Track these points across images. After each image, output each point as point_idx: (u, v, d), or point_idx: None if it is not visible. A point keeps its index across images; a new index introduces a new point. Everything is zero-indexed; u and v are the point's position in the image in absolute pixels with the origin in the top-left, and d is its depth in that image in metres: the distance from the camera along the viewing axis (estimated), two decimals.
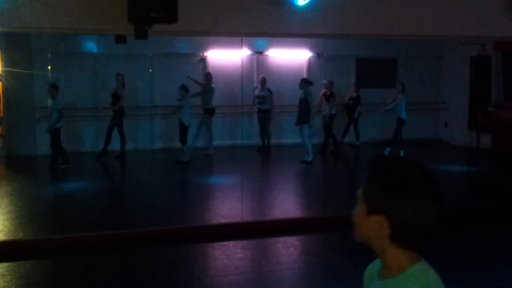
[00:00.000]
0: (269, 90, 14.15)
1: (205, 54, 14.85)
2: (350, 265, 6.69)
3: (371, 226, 1.67)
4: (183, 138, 12.37)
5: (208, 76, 13.69)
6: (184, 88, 12.50)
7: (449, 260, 6.42)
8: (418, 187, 1.61)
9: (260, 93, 14.16)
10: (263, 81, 14.18)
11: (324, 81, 13.94)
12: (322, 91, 13.97)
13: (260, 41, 14.86)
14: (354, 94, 14.90)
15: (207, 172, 12.60)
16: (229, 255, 6.95)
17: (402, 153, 13.62)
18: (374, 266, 1.83)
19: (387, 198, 1.62)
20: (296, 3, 7.25)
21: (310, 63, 15.44)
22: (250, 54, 14.95)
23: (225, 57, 14.67)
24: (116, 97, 12.82)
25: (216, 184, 11.22)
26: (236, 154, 14.00)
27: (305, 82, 12.59)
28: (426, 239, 1.65)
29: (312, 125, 12.60)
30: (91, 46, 13.89)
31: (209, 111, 13.50)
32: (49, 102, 11.66)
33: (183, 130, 12.34)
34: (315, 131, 14.13)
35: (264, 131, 14.28)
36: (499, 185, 11.18)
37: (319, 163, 13.18)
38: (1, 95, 13.90)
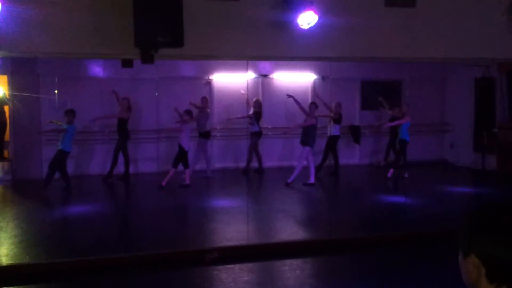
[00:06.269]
0: (255, 112, 13.92)
1: (210, 77, 14.94)
2: None
3: (469, 270, 1.61)
4: (184, 162, 12.42)
5: (204, 100, 13.62)
6: (188, 113, 12.56)
7: None
8: (504, 222, 1.54)
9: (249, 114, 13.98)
10: (255, 104, 14.04)
11: (333, 103, 13.91)
12: (333, 112, 13.97)
13: (265, 64, 14.95)
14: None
15: (210, 195, 12.58)
16: (235, 278, 6.92)
17: (406, 175, 13.62)
18: None
19: (472, 236, 1.59)
20: (300, 27, 7.32)
21: (315, 86, 15.48)
22: (255, 77, 15.03)
23: (231, 80, 14.76)
24: (121, 121, 12.95)
25: (220, 207, 11.19)
26: (240, 177, 14.02)
27: (312, 106, 12.71)
28: None
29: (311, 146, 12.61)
30: (97, 70, 14.02)
31: (205, 135, 13.53)
32: (64, 126, 11.70)
33: (183, 154, 12.40)
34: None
35: (249, 152, 14.16)
36: None
37: (329, 184, 13.10)
38: (8, 119, 14.01)
